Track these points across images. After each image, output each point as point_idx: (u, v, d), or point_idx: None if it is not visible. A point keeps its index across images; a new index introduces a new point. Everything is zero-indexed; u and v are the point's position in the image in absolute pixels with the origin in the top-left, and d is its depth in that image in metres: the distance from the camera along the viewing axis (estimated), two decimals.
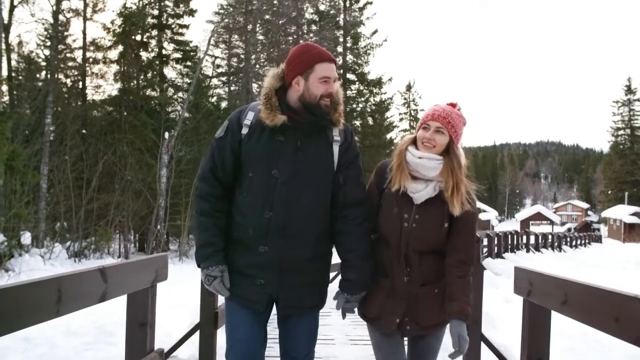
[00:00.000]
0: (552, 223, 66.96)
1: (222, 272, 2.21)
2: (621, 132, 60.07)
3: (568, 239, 28.96)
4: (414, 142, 2.28)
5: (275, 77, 2.24)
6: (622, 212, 51.67)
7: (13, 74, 20.03)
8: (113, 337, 4.80)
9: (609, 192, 61.13)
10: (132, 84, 22.55)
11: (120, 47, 22.33)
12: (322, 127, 2.23)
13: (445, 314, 2.17)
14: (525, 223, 66.02)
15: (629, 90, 59.72)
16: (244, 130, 2.20)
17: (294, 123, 2.18)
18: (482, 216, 54.50)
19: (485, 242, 13.77)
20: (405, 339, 2.39)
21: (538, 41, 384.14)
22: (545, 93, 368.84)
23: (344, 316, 2.34)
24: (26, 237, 12.55)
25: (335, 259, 2.40)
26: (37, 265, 11.99)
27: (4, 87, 16.80)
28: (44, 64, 21.80)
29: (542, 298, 2.49)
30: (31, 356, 4.40)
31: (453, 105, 2.29)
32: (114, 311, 5.58)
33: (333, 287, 2.39)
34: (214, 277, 2.20)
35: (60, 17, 20.42)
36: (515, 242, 18.56)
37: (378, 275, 2.29)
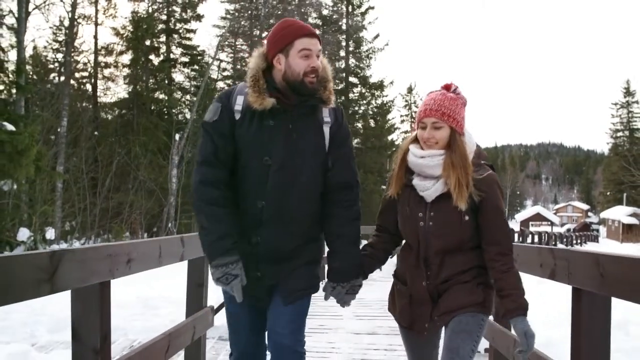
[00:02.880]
0: (551, 224, 67.69)
1: (242, 270, 2.01)
2: (620, 133, 60.71)
3: (565, 239, 29.78)
4: (416, 139, 2.13)
5: (260, 56, 2.09)
6: (620, 213, 52.44)
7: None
8: (156, 310, 5.66)
9: (608, 193, 61.80)
10: (142, 86, 23.45)
11: (131, 52, 23.25)
12: (313, 107, 2.11)
13: (474, 297, 2.04)
14: (524, 224, 66.81)
15: (628, 92, 60.38)
16: (237, 116, 2.06)
17: (283, 105, 2.05)
18: None
19: None
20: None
21: (539, 42, 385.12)
22: (547, 94, 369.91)
23: (344, 306, 2.20)
24: (50, 233, 13.44)
25: None
26: None
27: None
28: (51, 67, 22.70)
29: None
30: None
31: (448, 87, 2.13)
32: (153, 289, 6.45)
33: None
34: (234, 275, 1.98)
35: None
36: None
37: (400, 283, 2.20)
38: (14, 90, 14.30)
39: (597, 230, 57.30)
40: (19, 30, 16.15)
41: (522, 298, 1.97)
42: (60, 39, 22.63)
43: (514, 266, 2.03)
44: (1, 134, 10.80)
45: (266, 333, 2.21)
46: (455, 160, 2.01)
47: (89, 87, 23.90)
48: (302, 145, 2.07)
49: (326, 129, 2.13)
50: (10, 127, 11.29)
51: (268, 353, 2.23)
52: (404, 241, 2.24)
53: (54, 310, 5.30)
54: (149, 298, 6.10)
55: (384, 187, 2.45)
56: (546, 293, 7.13)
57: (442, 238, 2.04)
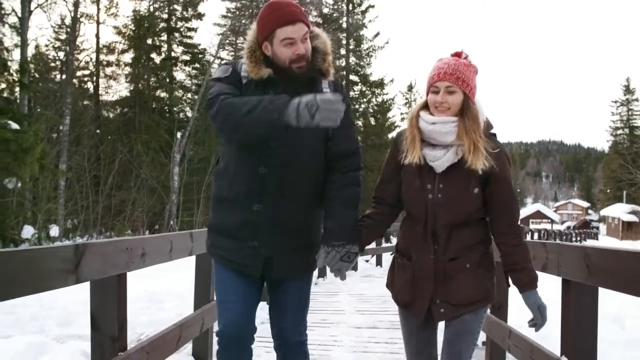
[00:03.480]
0: (552, 221, 67.85)
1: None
2: (620, 131, 60.78)
3: (564, 236, 29.96)
4: (425, 106, 2.06)
5: (256, 31, 2.11)
6: (620, 211, 52.59)
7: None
8: (162, 304, 5.80)
9: (608, 190, 61.93)
10: (144, 85, 23.61)
11: (133, 50, 23.40)
12: (312, 79, 2.11)
13: (481, 290, 2.03)
14: (525, 221, 66.77)
15: (628, 90, 60.43)
16: (243, 81, 2.09)
17: (280, 77, 2.07)
18: None
19: None
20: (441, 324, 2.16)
21: (540, 40, 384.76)
22: (547, 92, 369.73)
23: (338, 275, 2.13)
24: (54, 230, 13.59)
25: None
26: None
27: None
28: (53, 65, 22.85)
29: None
30: None
31: (458, 54, 2.06)
32: (158, 284, 6.59)
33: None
34: (313, 100, 1.84)
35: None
36: None
37: (403, 257, 2.12)
38: (17, 89, 14.44)
39: (597, 228, 57.50)
40: (22, 29, 16.28)
41: (534, 272, 1.99)
42: (62, 37, 22.79)
43: (523, 238, 2.04)
44: (6, 132, 10.93)
45: (269, 326, 2.29)
46: (466, 125, 1.96)
47: (90, 85, 24.09)
48: None
49: None
50: (14, 125, 11.42)
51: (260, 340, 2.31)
52: (402, 213, 2.17)
53: (64, 304, 5.43)
54: (154, 292, 6.25)
55: None
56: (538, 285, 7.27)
57: (450, 211, 1.99)
